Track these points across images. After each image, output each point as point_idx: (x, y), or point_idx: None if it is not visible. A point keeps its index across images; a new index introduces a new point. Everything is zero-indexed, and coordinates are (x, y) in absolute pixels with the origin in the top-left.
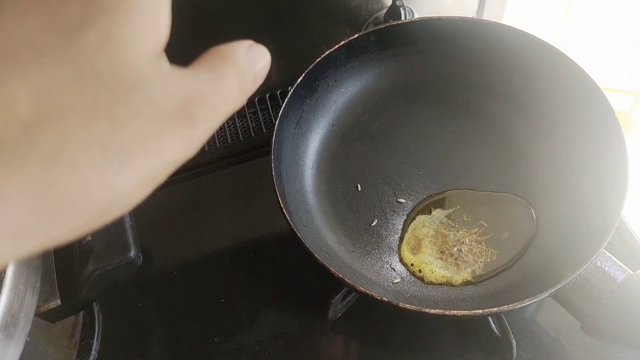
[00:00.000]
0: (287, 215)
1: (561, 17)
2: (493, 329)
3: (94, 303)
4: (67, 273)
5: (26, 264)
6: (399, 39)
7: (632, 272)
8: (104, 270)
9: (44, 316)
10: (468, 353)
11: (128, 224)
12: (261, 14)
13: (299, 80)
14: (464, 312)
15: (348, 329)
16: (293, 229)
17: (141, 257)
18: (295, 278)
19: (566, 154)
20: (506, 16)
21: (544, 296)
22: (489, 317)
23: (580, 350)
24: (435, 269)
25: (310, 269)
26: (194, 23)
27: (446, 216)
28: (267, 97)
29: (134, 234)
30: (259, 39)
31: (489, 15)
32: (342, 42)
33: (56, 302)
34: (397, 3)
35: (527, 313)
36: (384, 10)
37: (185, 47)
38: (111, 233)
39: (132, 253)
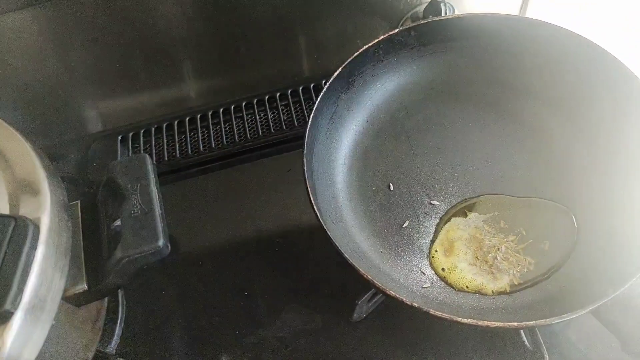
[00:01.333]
0: (317, 212)
1: (614, 17)
2: (524, 341)
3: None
4: (95, 258)
5: (55, 247)
6: (440, 36)
7: None
8: (132, 257)
9: (70, 300)
10: None
11: (158, 212)
12: (297, 7)
13: (336, 74)
14: (499, 323)
15: (372, 330)
16: (323, 226)
17: (169, 247)
18: (320, 275)
19: (612, 161)
20: (551, 13)
21: (583, 312)
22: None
23: None
24: (467, 275)
25: (336, 266)
26: (228, 14)
27: (482, 221)
28: (300, 90)
29: (164, 223)
30: (292, 32)
31: (532, 12)
32: (382, 37)
33: (83, 287)
34: None
35: (560, 325)
36: (423, 6)
37: (217, 42)
38: (141, 220)
39: (161, 242)
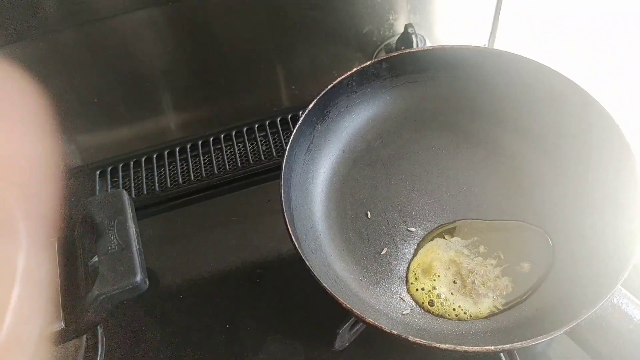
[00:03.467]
0: (295, 242)
1: (576, 47)
2: None
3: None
4: (72, 296)
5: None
6: (411, 67)
7: None
8: (109, 294)
9: (46, 339)
10: None
11: (135, 247)
12: (272, 39)
13: (310, 106)
14: (476, 348)
15: (355, 359)
16: (301, 256)
17: (147, 282)
18: (302, 304)
19: (580, 186)
20: (518, 45)
21: (557, 334)
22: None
23: None
24: (446, 300)
25: (318, 295)
26: (205, 47)
27: (462, 246)
28: (278, 121)
29: (141, 258)
30: (269, 63)
31: (500, 44)
32: (354, 69)
33: (60, 326)
34: (409, 30)
35: (539, 347)
36: (396, 37)
37: (196, 75)
38: (118, 256)
39: (139, 278)
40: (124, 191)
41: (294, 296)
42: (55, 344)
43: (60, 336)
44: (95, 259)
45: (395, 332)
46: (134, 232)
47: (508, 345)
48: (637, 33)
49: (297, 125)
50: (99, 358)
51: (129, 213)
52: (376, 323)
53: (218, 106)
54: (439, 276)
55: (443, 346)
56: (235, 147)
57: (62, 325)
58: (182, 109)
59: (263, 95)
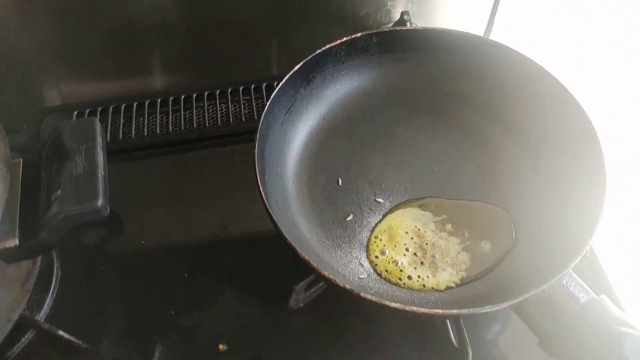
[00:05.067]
0: (263, 195)
1: (570, 44)
2: (451, 339)
3: (55, 259)
4: (30, 214)
5: None
6: (401, 45)
7: (595, 296)
8: (67, 214)
9: None
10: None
11: (101, 173)
12: (270, 10)
13: (296, 68)
14: (424, 310)
15: (308, 319)
16: (267, 209)
17: (108, 208)
18: (264, 263)
19: (549, 176)
20: (513, 38)
21: (505, 306)
22: (449, 326)
23: None
24: (404, 269)
25: (280, 253)
26: (201, 9)
27: (430, 220)
28: (264, 87)
29: (105, 184)
30: (264, 34)
31: (496, 36)
32: (344, 39)
33: (14, 242)
34: (405, 17)
35: (489, 334)
36: (392, 23)
37: (189, 35)
38: (82, 180)
39: (100, 202)
40: (97, 120)
41: (256, 254)
42: (7, 261)
43: (14, 253)
44: (59, 192)
45: (348, 287)
46: (102, 159)
47: (455, 311)
48: (631, 35)
49: (281, 84)
50: (51, 290)
51: (99, 141)
52: (330, 276)
53: (208, 70)
54: (400, 245)
55: (392, 305)
56: (218, 106)
57: (17, 242)
58: (171, 68)
59: (255, 64)
